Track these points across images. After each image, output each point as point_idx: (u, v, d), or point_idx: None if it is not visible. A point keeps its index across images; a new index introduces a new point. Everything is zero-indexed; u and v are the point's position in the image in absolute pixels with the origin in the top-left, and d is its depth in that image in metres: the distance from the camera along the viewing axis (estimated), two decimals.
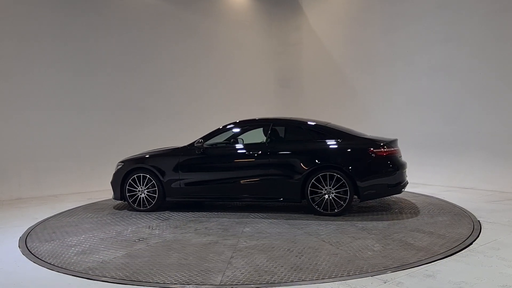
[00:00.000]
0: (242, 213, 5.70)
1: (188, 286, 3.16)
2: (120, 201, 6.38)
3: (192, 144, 5.95)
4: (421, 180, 7.47)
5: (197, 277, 3.36)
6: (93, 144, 8.52)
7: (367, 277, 3.21)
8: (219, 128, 6.15)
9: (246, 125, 6.11)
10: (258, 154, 5.61)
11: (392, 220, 5.05)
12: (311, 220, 5.16)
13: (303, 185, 5.38)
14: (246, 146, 5.84)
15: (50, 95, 8.07)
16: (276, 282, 3.20)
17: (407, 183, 5.68)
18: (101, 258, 3.94)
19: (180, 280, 3.31)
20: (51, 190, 7.95)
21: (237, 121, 6.19)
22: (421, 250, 3.79)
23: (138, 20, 9.18)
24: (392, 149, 5.40)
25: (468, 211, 5.41)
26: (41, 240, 4.67)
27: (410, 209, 5.62)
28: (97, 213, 6.04)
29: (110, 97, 8.79)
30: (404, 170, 5.53)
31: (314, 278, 3.24)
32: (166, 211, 5.97)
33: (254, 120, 6.17)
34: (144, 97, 9.26)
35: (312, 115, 7.73)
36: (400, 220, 5.02)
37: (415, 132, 8.14)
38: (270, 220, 5.23)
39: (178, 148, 6.10)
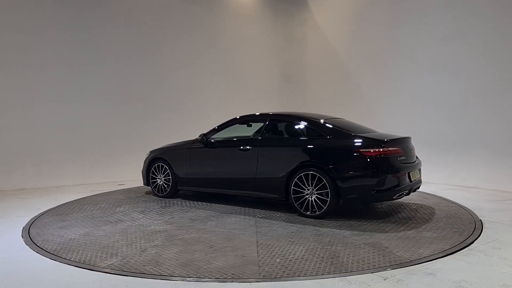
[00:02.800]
0: (233, 207, 5.80)
1: (189, 279, 3.18)
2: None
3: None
4: (423, 178, 7.43)
5: (96, 259, 3.67)
6: (96, 136, 8.55)
7: (367, 274, 3.22)
8: (222, 123, 6.21)
9: (248, 119, 6.08)
10: (249, 149, 5.60)
11: (367, 230, 4.49)
12: (281, 221, 4.94)
13: (287, 183, 5.18)
14: (241, 141, 5.82)
15: (54, 87, 8.09)
16: (149, 273, 3.26)
17: (409, 189, 5.02)
18: (63, 233, 4.50)
19: (83, 260, 3.64)
20: (54, 181, 8.00)
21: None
22: (333, 265, 3.41)
23: (142, 13, 9.17)
24: (384, 149, 4.77)
25: (470, 210, 5.40)
26: (52, 214, 5.48)
27: (410, 218, 4.97)
28: (127, 195, 6.85)
29: (114, 90, 8.81)
30: (402, 174, 4.84)
31: (186, 275, 3.24)
32: (178, 199, 6.46)
33: (254, 115, 6.12)
34: (147, 90, 9.27)
35: (316, 111, 7.71)
36: (374, 232, 4.41)
37: (418, 130, 8.11)
38: (243, 217, 5.20)
39: (189, 141, 6.43)
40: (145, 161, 6.88)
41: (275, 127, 5.77)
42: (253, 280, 3.12)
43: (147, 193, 7.01)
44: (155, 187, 6.68)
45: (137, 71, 9.10)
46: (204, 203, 6.08)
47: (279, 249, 3.85)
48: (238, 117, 6.18)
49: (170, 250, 3.90)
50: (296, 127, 5.54)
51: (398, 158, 4.90)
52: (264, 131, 5.72)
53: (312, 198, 5.00)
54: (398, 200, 5.56)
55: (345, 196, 4.82)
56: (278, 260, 3.56)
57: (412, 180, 5.08)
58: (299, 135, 5.46)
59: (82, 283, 3.12)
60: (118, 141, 8.84)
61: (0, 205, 6.16)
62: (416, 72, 8.34)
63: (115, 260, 3.62)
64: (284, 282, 3.09)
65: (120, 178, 8.70)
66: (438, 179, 7.64)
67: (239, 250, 3.85)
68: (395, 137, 5.13)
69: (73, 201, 6.38)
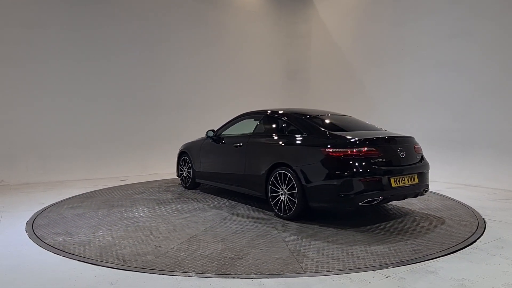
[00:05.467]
0: (229, 201, 5.97)
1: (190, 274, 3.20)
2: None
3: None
4: None
5: (51, 235, 4.23)
6: (99, 132, 8.59)
7: (369, 272, 3.22)
8: (230, 120, 6.33)
9: (249, 116, 6.08)
10: (240, 146, 5.63)
11: (319, 237, 4.11)
12: (249, 219, 4.90)
13: (266, 181, 5.06)
14: (236, 138, 5.86)
15: (59, 83, 8.12)
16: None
17: (387, 195, 4.42)
18: (65, 212, 5.30)
19: (41, 235, 4.25)
20: (58, 176, 8.04)
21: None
22: (219, 266, 3.32)
23: (146, 9, 9.16)
24: (351, 149, 4.34)
25: (473, 209, 5.38)
26: (82, 197, 6.40)
27: (394, 227, 4.46)
28: (163, 184, 7.60)
29: (118, 86, 8.82)
30: (373, 178, 4.32)
31: (98, 257, 3.56)
32: (197, 190, 6.90)
33: (254, 111, 6.11)
34: (151, 86, 9.28)
35: (319, 108, 7.69)
36: (322, 240, 4.02)
37: (422, 128, 8.09)
38: (220, 211, 5.31)
39: (204, 137, 6.72)
40: (177, 154, 7.40)
41: (266, 124, 5.66)
42: (254, 276, 3.13)
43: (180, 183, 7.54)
44: (181, 178, 7.18)
45: (141, 67, 9.11)
46: (212, 196, 6.36)
47: (200, 245, 3.91)
48: (241, 113, 6.23)
49: (113, 235, 4.26)
50: (282, 124, 5.31)
51: (372, 160, 4.38)
52: (257, 128, 5.70)
53: (285, 199, 4.81)
54: (396, 201, 5.24)
55: (311, 198, 4.54)
56: (182, 254, 3.64)
57: (394, 185, 4.42)
58: (282, 133, 5.23)
59: (85, 277, 3.14)
60: (121, 137, 8.87)
61: (4, 199, 6.20)
62: (420, 70, 8.30)
63: (62, 238, 4.14)
64: (286, 278, 3.10)
65: (124, 174, 8.74)
66: (442, 178, 7.62)
67: (165, 241, 4.05)
68: (371, 137, 4.59)
69: (113, 187, 7.30)
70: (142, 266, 3.33)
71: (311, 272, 3.18)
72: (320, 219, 4.85)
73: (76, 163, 8.31)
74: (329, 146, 4.45)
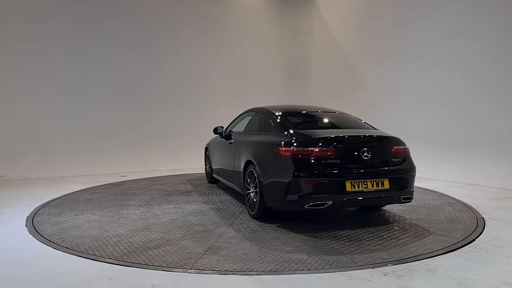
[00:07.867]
0: (226, 196, 6.12)
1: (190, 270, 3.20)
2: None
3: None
4: (426, 175, 7.45)
5: (45, 213, 4.89)
6: (100, 128, 8.59)
7: (368, 269, 3.22)
8: (237, 116, 6.44)
9: (248, 113, 6.08)
10: (231, 143, 5.70)
11: (258, 240, 3.92)
12: (216, 214, 4.92)
13: (243, 179, 5.02)
14: (230, 135, 5.94)
15: (59, 79, 8.12)
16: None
17: (337, 200, 4.00)
18: (81, 196, 5.96)
19: (40, 212, 4.93)
20: (58, 171, 8.06)
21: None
22: (130, 255, 3.47)
23: (147, 5, 9.14)
24: (299, 148, 4.07)
25: (473, 207, 5.38)
26: (115, 184, 7.10)
27: (374, 232, 4.12)
28: (192, 178, 7.91)
29: (118, 83, 8.82)
30: (320, 180, 3.96)
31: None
32: (213, 185, 7.12)
33: (253, 108, 6.07)
34: (152, 83, 9.28)
35: (319, 105, 7.69)
36: (258, 243, 3.82)
37: (423, 127, 8.09)
38: (203, 205, 5.45)
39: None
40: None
41: (253, 122, 5.62)
42: (254, 273, 3.14)
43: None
44: (206, 173, 7.54)
45: (142, 63, 9.10)
46: (218, 191, 6.47)
47: (140, 233, 4.13)
48: (245, 110, 6.32)
49: (87, 218, 4.70)
50: (263, 122, 5.21)
51: (323, 161, 4.03)
52: (247, 126, 5.72)
53: (252, 197, 4.72)
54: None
55: (266, 198, 4.38)
56: (114, 240, 3.93)
57: (349, 189, 4.01)
58: (259, 130, 5.18)
59: (84, 272, 3.15)
60: (122, 133, 8.88)
61: (5, 194, 6.22)
62: (422, 68, 8.28)
63: (48, 217, 4.74)
64: (285, 276, 3.10)
65: (123, 170, 8.75)
66: (442, 177, 7.62)
67: (120, 227, 4.34)
68: (326, 136, 4.22)
69: (151, 177, 7.95)
70: (68, 247, 3.67)
71: (197, 269, 3.17)
72: (285, 220, 4.63)
73: (76, 159, 8.32)
74: (282, 144, 4.23)
